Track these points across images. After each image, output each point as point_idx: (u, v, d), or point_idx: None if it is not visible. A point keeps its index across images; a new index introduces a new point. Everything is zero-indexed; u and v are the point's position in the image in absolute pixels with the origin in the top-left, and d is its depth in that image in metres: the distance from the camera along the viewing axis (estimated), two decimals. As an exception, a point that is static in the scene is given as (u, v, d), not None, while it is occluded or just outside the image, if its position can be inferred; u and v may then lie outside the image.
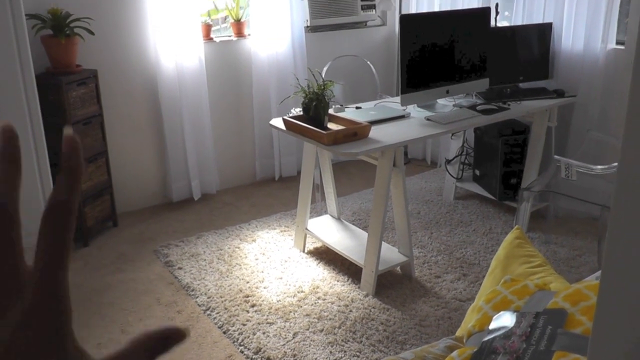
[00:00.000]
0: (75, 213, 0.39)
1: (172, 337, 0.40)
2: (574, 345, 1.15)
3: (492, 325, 1.30)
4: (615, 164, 3.40)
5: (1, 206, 0.38)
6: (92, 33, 3.68)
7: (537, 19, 4.13)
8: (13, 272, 0.38)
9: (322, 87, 3.06)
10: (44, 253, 0.38)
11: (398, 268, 3.35)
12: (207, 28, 4.36)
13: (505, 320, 1.29)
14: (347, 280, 3.28)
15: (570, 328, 1.18)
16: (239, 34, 4.50)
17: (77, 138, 0.40)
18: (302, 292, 3.17)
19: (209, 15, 4.53)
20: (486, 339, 1.27)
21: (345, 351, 2.69)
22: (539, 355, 1.15)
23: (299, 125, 3.06)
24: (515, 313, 1.30)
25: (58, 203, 0.38)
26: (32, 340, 0.36)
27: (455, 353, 1.25)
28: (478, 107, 3.60)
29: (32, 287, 0.37)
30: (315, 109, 3.05)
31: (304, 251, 3.61)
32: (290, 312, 3.00)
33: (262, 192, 4.61)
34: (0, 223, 0.38)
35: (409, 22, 3.44)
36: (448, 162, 4.41)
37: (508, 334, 1.23)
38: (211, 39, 4.39)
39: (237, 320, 2.93)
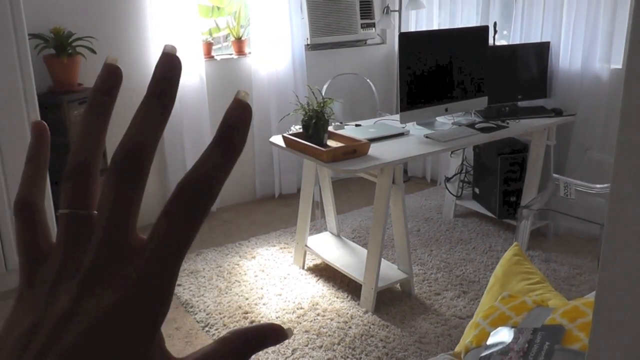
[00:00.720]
0: (215, 193, 0.33)
1: (271, 337, 0.37)
2: (571, 361, 1.15)
3: (489, 341, 1.30)
4: (614, 181, 3.41)
5: (29, 206, 0.37)
6: (94, 52, 3.71)
7: (535, 38, 4.17)
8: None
9: (322, 105, 3.08)
10: (164, 232, 0.33)
11: (398, 285, 3.35)
12: (208, 46, 4.39)
13: (502, 336, 1.29)
14: (347, 297, 3.28)
15: (568, 344, 1.19)
16: (240, 52, 4.54)
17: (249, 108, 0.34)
18: (301, 308, 3.17)
19: (210, 33, 4.57)
20: (484, 354, 1.27)
21: (344, 369, 2.69)
22: (537, 371, 1.15)
23: (299, 142, 3.08)
24: (512, 329, 1.30)
25: (203, 178, 0.32)
26: (127, 325, 0.31)
27: (453, 369, 1.26)
28: (477, 125, 3.62)
29: (141, 262, 0.32)
30: (315, 126, 3.07)
31: (303, 268, 3.61)
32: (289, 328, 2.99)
33: (262, 210, 4.62)
34: (30, 222, 0.37)
35: (408, 40, 3.47)
36: (448, 180, 4.42)
37: (505, 349, 1.24)
38: (212, 57, 4.43)
39: (236, 337, 2.92)
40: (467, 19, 4.58)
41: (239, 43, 4.53)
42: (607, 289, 0.68)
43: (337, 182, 4.92)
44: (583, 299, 1.38)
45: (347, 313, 3.12)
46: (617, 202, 0.66)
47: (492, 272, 3.49)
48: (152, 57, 4.08)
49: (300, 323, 3.04)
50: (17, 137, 3.18)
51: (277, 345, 2.82)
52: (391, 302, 3.24)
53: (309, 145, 3.02)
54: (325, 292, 3.34)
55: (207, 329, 3.01)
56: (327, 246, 3.63)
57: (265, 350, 2.82)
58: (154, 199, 4.36)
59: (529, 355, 1.19)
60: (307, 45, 4.73)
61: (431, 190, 4.98)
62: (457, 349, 1.56)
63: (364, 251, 3.42)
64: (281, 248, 3.89)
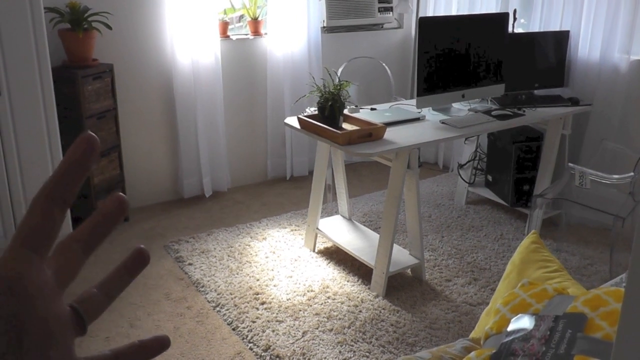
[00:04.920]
0: None
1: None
2: (594, 350, 1.14)
3: (510, 327, 1.29)
4: (631, 174, 3.38)
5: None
6: (109, 27, 3.69)
7: (555, 27, 4.12)
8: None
9: (339, 87, 3.06)
10: None
11: (409, 270, 3.34)
12: (224, 25, 4.37)
13: (524, 322, 1.28)
14: (357, 280, 3.28)
15: (590, 332, 1.18)
16: (256, 32, 4.51)
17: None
18: (312, 291, 3.17)
19: (225, 13, 4.54)
20: (505, 340, 1.26)
21: (354, 351, 2.69)
22: (559, 359, 1.14)
23: (314, 124, 3.06)
24: (534, 316, 1.29)
25: None
26: None
27: (473, 354, 1.25)
28: (493, 113, 3.59)
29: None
30: (331, 108, 3.05)
31: (314, 251, 3.61)
32: (300, 310, 3.00)
33: (273, 191, 4.61)
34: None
35: (427, 26, 3.44)
36: (461, 166, 4.40)
37: (527, 336, 1.23)
38: (228, 36, 4.40)
39: (246, 317, 2.93)
40: (487, 6, 4.53)
41: (255, 23, 4.50)
42: (638, 282, 0.67)
43: (349, 166, 4.91)
44: (604, 288, 1.36)
45: (358, 297, 3.12)
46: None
47: (504, 260, 3.49)
48: (167, 34, 4.06)
49: (311, 306, 3.04)
50: (30, 112, 3.18)
51: (288, 328, 2.83)
52: (402, 287, 3.24)
53: (324, 128, 3.00)
54: (336, 275, 3.34)
55: (217, 309, 3.02)
56: (338, 229, 3.62)
57: (276, 332, 2.82)
58: (166, 178, 4.36)
59: (551, 342, 1.18)
60: (324, 27, 4.69)
61: (443, 177, 4.96)
62: (474, 334, 1.55)
63: (375, 235, 3.42)
64: (292, 230, 3.89)
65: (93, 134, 0.40)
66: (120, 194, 0.42)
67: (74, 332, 0.40)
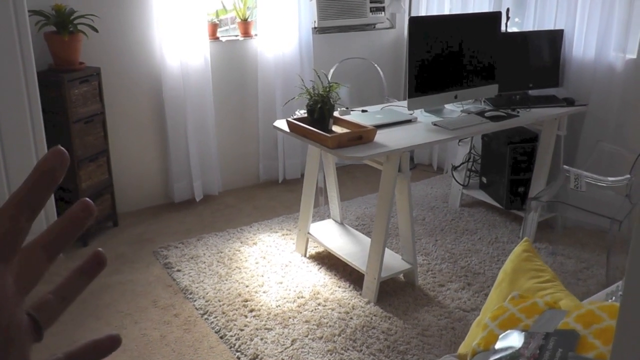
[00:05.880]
0: None
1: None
2: (586, 370, 1.08)
3: (498, 345, 1.23)
4: (627, 176, 3.32)
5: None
6: (96, 30, 3.63)
7: (549, 25, 4.06)
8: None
9: (328, 89, 3.00)
10: None
11: (401, 275, 3.28)
12: (214, 27, 4.30)
13: (512, 340, 1.22)
14: (349, 286, 3.22)
15: (582, 352, 1.11)
16: (246, 33, 4.45)
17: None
18: (302, 297, 3.11)
19: (217, 15, 4.47)
20: (492, 359, 1.20)
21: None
22: (548, 380, 1.08)
23: (303, 127, 3.00)
24: (523, 332, 1.23)
25: None
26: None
27: (458, 373, 1.19)
28: (486, 114, 3.53)
29: None
30: (320, 111, 2.99)
31: (305, 256, 3.55)
32: (290, 318, 2.93)
33: (265, 195, 4.55)
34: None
35: (418, 25, 3.38)
36: (455, 168, 4.34)
37: (515, 355, 1.16)
38: (217, 38, 4.33)
39: (234, 325, 2.87)
40: (480, 5, 4.47)
41: (245, 24, 4.44)
42: (634, 292, 0.62)
43: (342, 168, 4.85)
44: (597, 302, 1.30)
45: (349, 303, 3.06)
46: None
47: (498, 264, 3.43)
48: (155, 37, 4.00)
49: (301, 313, 2.97)
50: (16, 116, 3.11)
51: (276, 336, 2.77)
52: (394, 292, 3.17)
53: (313, 131, 2.94)
54: (327, 281, 3.28)
55: (205, 316, 2.95)
56: (330, 234, 3.56)
57: (264, 340, 2.76)
58: (156, 182, 4.29)
59: (541, 362, 1.12)
60: (315, 28, 4.63)
61: (437, 179, 4.90)
62: (462, 349, 1.49)
63: (367, 240, 3.35)
64: (283, 235, 3.83)
65: (63, 148, 0.42)
66: (86, 199, 0.43)
67: (32, 338, 0.41)
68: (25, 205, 0.41)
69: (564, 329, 1.18)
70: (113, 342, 0.46)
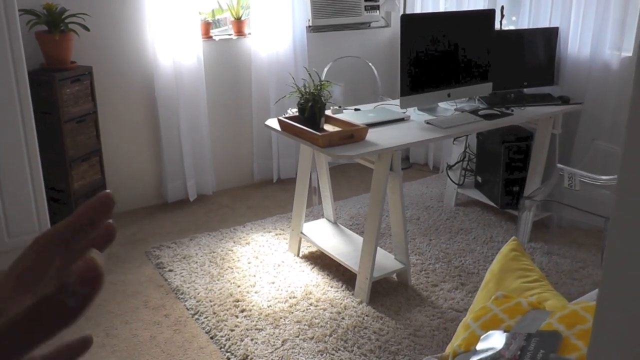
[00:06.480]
0: None
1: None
2: (567, 372, 1.05)
3: (479, 346, 1.21)
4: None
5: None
6: (87, 29, 3.60)
7: (544, 23, 4.03)
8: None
9: (319, 88, 2.97)
10: None
11: (394, 275, 3.25)
12: (207, 26, 4.28)
13: (494, 341, 1.20)
14: (341, 286, 3.19)
15: (565, 353, 1.09)
16: (239, 32, 4.42)
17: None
18: (294, 297, 3.08)
19: (213, 14, 4.45)
20: (473, 360, 1.18)
21: (335, 361, 2.60)
22: (529, 382, 1.05)
23: (294, 126, 2.98)
24: (505, 333, 1.20)
25: None
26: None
27: (438, 375, 1.16)
28: (480, 112, 3.51)
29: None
30: (311, 109, 2.97)
31: (298, 255, 3.53)
32: (281, 318, 2.91)
33: (260, 194, 4.52)
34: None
35: (411, 23, 3.35)
36: (449, 167, 4.31)
37: (496, 356, 1.14)
38: (210, 37, 4.31)
39: (225, 325, 2.85)
40: (474, 3, 4.44)
41: (239, 23, 4.41)
42: (610, 289, 0.61)
43: (336, 168, 4.82)
44: (582, 303, 1.28)
45: (341, 303, 3.03)
46: (624, 195, 0.59)
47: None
48: (148, 36, 3.97)
49: (292, 313, 2.95)
50: (6, 116, 3.09)
51: (267, 336, 2.74)
52: (387, 292, 3.15)
53: (304, 130, 2.92)
54: (320, 281, 3.26)
55: (196, 316, 2.93)
56: (323, 233, 3.53)
57: (254, 341, 2.74)
58: (149, 182, 4.27)
59: (521, 363, 1.09)
60: (309, 27, 4.60)
61: (433, 178, 4.88)
62: (448, 350, 1.47)
63: (360, 239, 3.33)
64: (277, 234, 3.80)
65: (111, 193, 0.42)
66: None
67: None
68: (61, 240, 0.42)
69: (546, 329, 1.16)
70: (85, 344, 0.46)
